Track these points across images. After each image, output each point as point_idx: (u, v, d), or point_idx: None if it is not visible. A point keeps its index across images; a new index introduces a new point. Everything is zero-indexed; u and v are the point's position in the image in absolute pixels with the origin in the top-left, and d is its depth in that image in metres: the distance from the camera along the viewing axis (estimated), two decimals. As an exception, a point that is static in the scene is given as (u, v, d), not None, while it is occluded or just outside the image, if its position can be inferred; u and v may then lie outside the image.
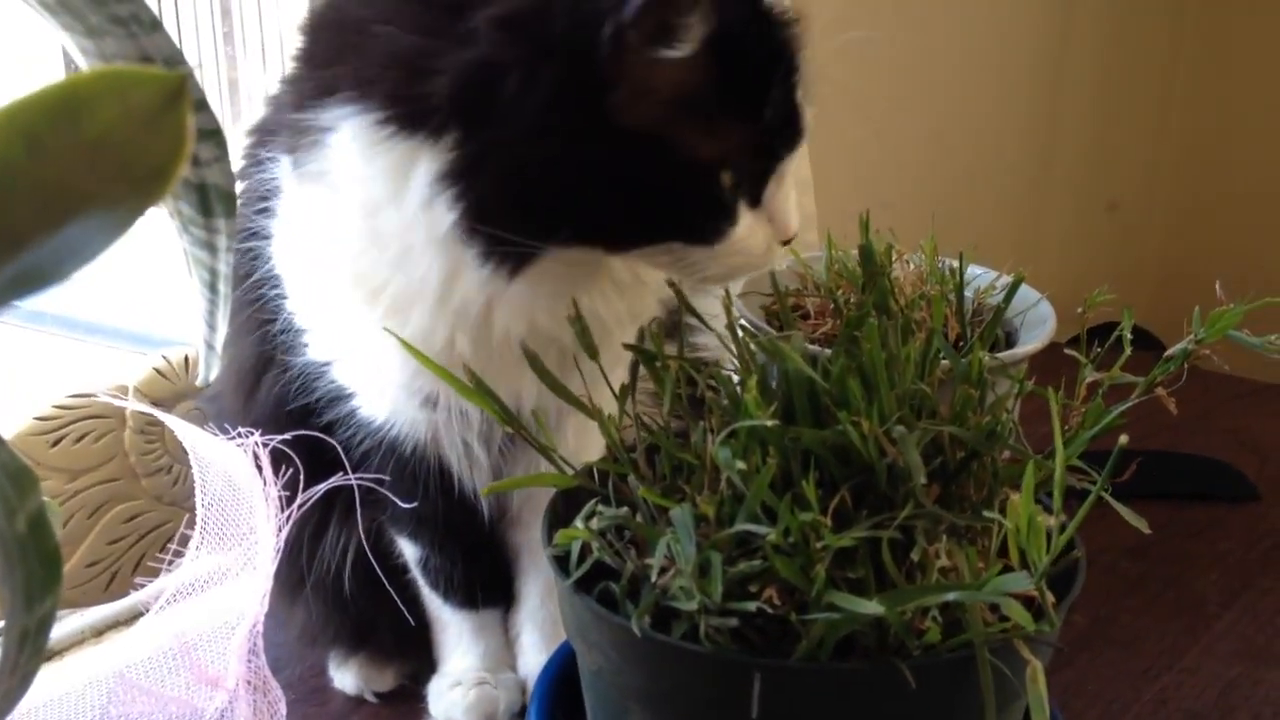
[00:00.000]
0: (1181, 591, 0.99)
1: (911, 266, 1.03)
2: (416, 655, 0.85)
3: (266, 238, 0.75)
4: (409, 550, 0.82)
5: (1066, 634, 0.93)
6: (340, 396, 0.75)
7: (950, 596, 0.49)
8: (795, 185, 0.70)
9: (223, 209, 0.49)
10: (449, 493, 0.77)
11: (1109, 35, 2.19)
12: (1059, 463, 0.45)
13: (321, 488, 0.64)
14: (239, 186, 0.77)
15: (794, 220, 0.68)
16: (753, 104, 0.64)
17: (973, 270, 1.09)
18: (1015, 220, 2.09)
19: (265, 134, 0.75)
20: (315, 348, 0.75)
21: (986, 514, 0.51)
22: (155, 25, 0.45)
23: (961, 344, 0.88)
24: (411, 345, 0.64)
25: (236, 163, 0.79)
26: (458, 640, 0.84)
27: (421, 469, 0.76)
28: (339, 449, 0.68)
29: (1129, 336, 0.62)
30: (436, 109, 0.60)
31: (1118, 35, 2.21)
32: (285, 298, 0.75)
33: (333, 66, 0.64)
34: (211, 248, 0.50)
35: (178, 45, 0.45)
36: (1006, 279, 1.05)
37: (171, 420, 0.70)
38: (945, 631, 0.53)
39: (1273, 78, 2.38)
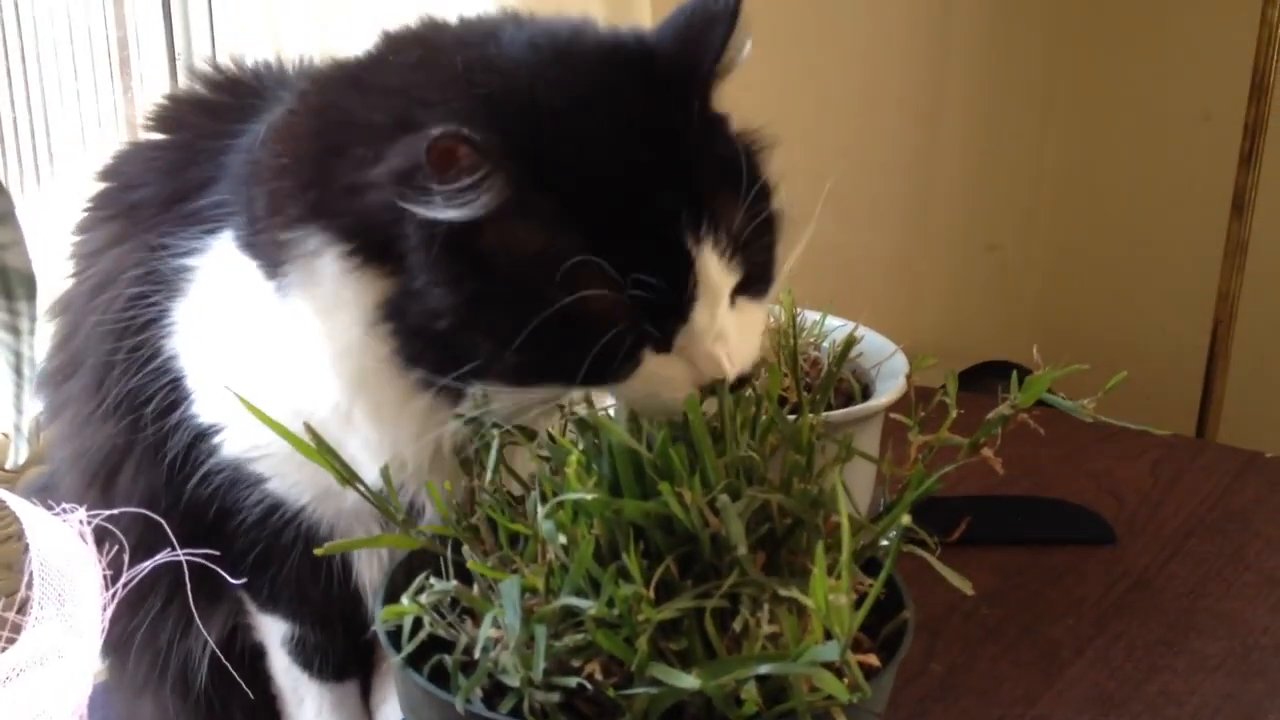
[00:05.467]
0: (1037, 638, 1.01)
1: (771, 320, 1.04)
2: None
3: (163, 326, 0.72)
4: (279, 629, 0.80)
5: (924, 684, 0.96)
6: (253, 482, 0.74)
7: (764, 669, 0.49)
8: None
9: (24, 291, 0.49)
10: (349, 572, 0.77)
11: (984, 83, 2.25)
12: (846, 544, 0.46)
13: (149, 564, 0.63)
14: (138, 274, 0.73)
15: (724, 364, 0.62)
16: (614, 271, 0.60)
17: (832, 323, 1.11)
18: (896, 265, 2.12)
19: (150, 217, 0.73)
20: (234, 443, 0.73)
21: (782, 592, 0.51)
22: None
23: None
24: (255, 407, 0.63)
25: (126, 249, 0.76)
26: (316, 714, 0.82)
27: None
28: (168, 527, 0.67)
29: (952, 401, 0.63)
30: (390, 241, 0.61)
31: (993, 84, 2.27)
32: (187, 393, 0.73)
33: (311, 188, 0.64)
34: (15, 330, 0.50)
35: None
36: (864, 330, 1.07)
37: (5, 494, 0.68)
38: (772, 698, 0.54)
39: (1140, 124, 2.46)
